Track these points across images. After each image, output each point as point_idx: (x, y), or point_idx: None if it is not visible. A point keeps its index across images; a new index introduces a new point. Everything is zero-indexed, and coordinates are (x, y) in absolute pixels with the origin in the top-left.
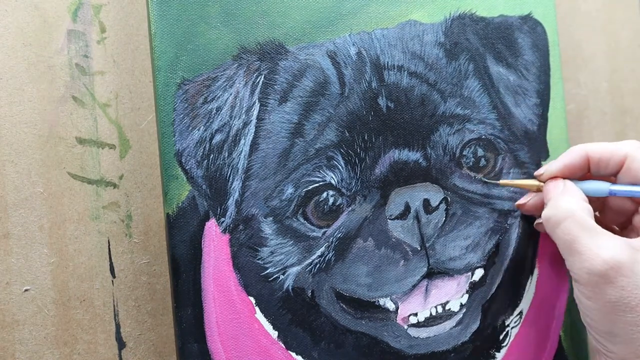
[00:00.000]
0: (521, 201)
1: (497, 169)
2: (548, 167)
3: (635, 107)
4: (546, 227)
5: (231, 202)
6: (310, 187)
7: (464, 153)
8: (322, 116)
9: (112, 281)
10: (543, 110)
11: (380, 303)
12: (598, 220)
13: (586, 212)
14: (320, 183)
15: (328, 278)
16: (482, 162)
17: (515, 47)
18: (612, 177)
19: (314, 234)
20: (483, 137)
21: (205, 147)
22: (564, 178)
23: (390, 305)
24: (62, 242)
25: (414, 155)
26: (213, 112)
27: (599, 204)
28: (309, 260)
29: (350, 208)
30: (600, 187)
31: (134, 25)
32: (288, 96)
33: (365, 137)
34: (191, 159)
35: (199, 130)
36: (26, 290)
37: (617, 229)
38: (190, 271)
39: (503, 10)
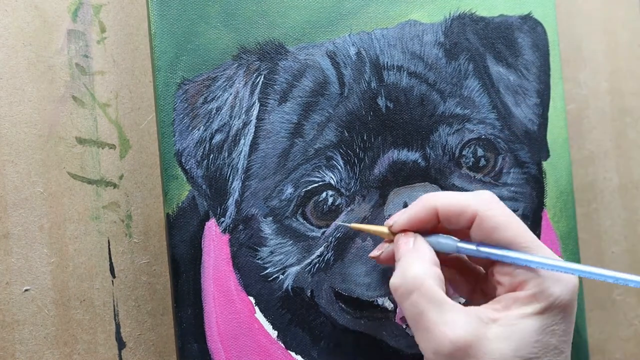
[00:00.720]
0: (374, 253)
1: (497, 169)
2: (397, 218)
3: (635, 107)
4: (394, 296)
5: (231, 202)
6: (310, 187)
7: (463, 153)
8: (322, 116)
9: (112, 281)
10: (543, 110)
11: (379, 302)
12: (455, 281)
13: (436, 281)
14: (320, 183)
15: (327, 278)
16: (482, 162)
17: (515, 46)
18: (466, 229)
19: (313, 233)
20: (483, 136)
21: (205, 147)
22: (415, 231)
23: (389, 305)
24: (62, 242)
25: (413, 155)
26: (213, 112)
27: (453, 257)
28: (308, 260)
29: (349, 208)
30: (448, 242)
31: (134, 25)
32: (288, 96)
33: (365, 137)
34: (191, 159)
35: (199, 130)
36: (26, 290)
37: (483, 272)
38: (190, 271)
39: (503, 10)
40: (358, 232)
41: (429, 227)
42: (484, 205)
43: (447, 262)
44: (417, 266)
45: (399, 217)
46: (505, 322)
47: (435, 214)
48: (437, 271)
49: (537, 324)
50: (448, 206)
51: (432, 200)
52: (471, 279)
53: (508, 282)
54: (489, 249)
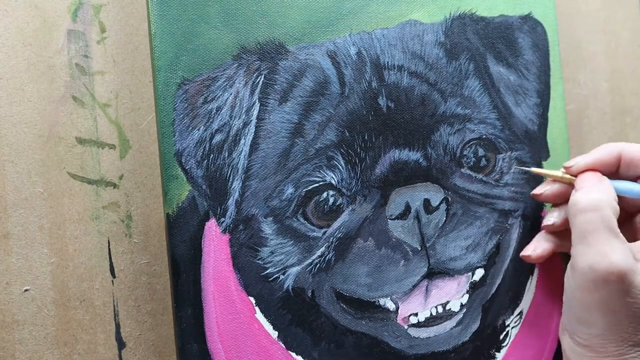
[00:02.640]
0: (537, 191)
1: (497, 169)
2: (579, 160)
3: (635, 107)
4: (570, 210)
5: (231, 202)
6: (310, 187)
7: (464, 153)
8: (322, 116)
9: (112, 281)
10: (543, 110)
11: (381, 303)
12: None
13: (613, 211)
14: (321, 183)
15: (328, 278)
16: (483, 161)
17: (515, 47)
18: (638, 179)
19: (314, 234)
20: (484, 136)
21: (205, 147)
22: None
23: (391, 305)
24: (62, 242)
25: (414, 155)
26: (213, 112)
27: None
28: (309, 260)
29: (350, 208)
30: (632, 188)
31: (134, 25)
32: (288, 96)
33: (366, 137)
34: (191, 159)
35: (199, 130)
36: (26, 290)
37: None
38: (190, 271)
39: (503, 10)
40: (359, 233)
41: (607, 174)
42: None
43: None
44: (602, 193)
45: (581, 159)
46: None
47: (618, 159)
48: (616, 206)
49: None
50: (633, 151)
51: (617, 146)
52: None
53: None
54: None
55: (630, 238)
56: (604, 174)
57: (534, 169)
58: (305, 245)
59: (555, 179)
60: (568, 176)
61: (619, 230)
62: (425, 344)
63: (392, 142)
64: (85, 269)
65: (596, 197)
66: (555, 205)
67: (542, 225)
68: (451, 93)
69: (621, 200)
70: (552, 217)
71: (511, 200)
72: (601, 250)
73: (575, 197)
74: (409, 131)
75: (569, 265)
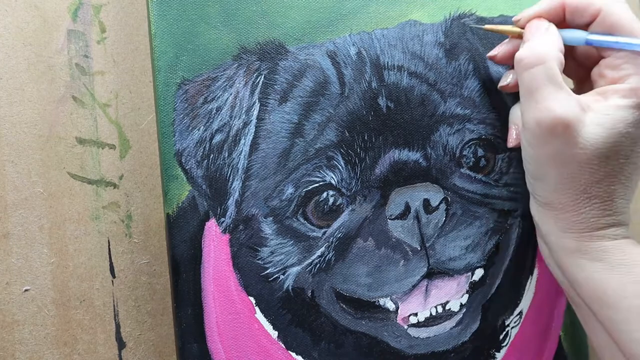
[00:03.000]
0: (492, 52)
1: (496, 169)
2: (525, 12)
3: None
4: (516, 67)
5: (231, 202)
6: (310, 187)
7: (464, 153)
8: (322, 116)
9: (112, 281)
10: None
11: (380, 303)
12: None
13: (557, 63)
14: (320, 183)
15: (328, 278)
16: (482, 162)
17: None
18: (585, 27)
19: (314, 234)
20: (483, 137)
21: (205, 147)
22: None
23: (390, 305)
24: (62, 242)
25: (414, 155)
26: (213, 112)
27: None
28: (309, 261)
29: (350, 208)
30: (577, 35)
31: (134, 25)
32: (288, 96)
33: (365, 137)
34: (191, 159)
35: (199, 130)
36: (26, 290)
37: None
38: (190, 271)
39: (503, 10)
40: (359, 233)
41: (554, 23)
42: (609, 2)
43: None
44: (546, 45)
45: (527, 11)
46: (601, 110)
47: (562, 7)
48: (561, 57)
49: (630, 117)
50: (576, 1)
51: None
52: (577, 75)
53: (611, 75)
54: (614, 37)
55: (591, 87)
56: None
57: (487, 26)
58: (305, 245)
59: (507, 33)
60: (518, 29)
61: (562, 82)
62: (425, 344)
63: (392, 142)
64: (85, 269)
65: (539, 51)
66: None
67: (499, 86)
68: (451, 93)
69: (574, 53)
70: (507, 78)
71: (510, 200)
72: (546, 104)
73: (519, 53)
74: (409, 131)
75: (521, 131)
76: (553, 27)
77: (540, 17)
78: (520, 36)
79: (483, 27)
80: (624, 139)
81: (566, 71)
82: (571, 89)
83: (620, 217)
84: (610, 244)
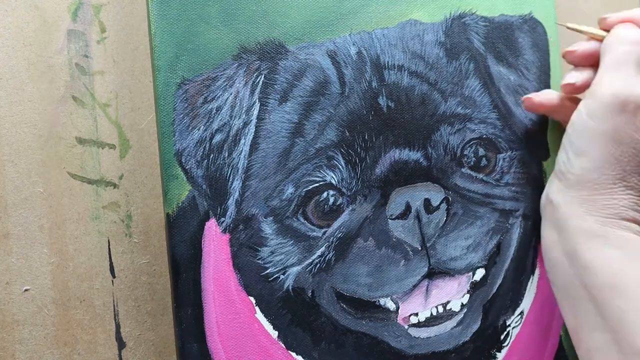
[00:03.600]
0: (571, 48)
1: (497, 169)
2: (613, 15)
3: None
4: (608, 40)
5: (231, 202)
6: (311, 186)
7: (465, 152)
8: (323, 116)
9: (112, 281)
10: None
11: (381, 303)
12: None
13: None
14: (321, 183)
15: (328, 278)
16: (483, 161)
17: (515, 46)
18: None
19: (314, 233)
20: (484, 136)
21: (205, 147)
22: None
23: (391, 305)
24: (62, 242)
25: (414, 155)
26: (213, 112)
27: None
28: (309, 260)
29: (350, 208)
30: None
31: (134, 25)
32: (288, 96)
33: (366, 137)
34: (191, 159)
35: (199, 130)
36: (26, 290)
37: None
38: (190, 271)
39: (503, 10)
40: (359, 232)
41: None
42: None
43: None
44: (636, 31)
45: (615, 14)
46: None
47: None
48: None
49: None
50: None
51: None
52: None
53: None
54: None
55: None
56: None
57: (570, 25)
58: (306, 245)
59: (592, 35)
60: (602, 32)
61: None
62: (425, 344)
63: (393, 142)
64: (85, 269)
65: (637, 34)
66: (578, 67)
67: (562, 83)
68: (451, 93)
69: None
70: (572, 77)
71: (512, 200)
72: (629, 81)
73: (617, 29)
74: (410, 131)
75: (584, 97)
76: None
77: (626, 20)
78: (600, 39)
79: (566, 25)
80: None
81: None
82: None
83: None
84: (635, 236)
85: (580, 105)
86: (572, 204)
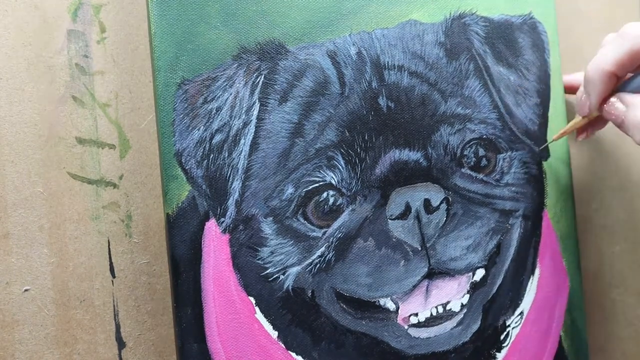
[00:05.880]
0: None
1: (497, 169)
2: (591, 98)
3: None
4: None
5: (231, 202)
6: (311, 187)
7: (465, 153)
8: (322, 116)
9: (112, 281)
10: (543, 110)
11: (381, 303)
12: None
13: None
14: (321, 183)
15: (328, 278)
16: (484, 161)
17: (515, 46)
18: None
19: (314, 234)
20: (484, 136)
21: (205, 147)
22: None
23: (391, 306)
24: (62, 242)
25: (414, 155)
26: (213, 112)
27: None
28: (309, 261)
29: (350, 208)
30: None
31: (134, 25)
32: (288, 96)
33: (366, 137)
34: (191, 159)
35: (199, 130)
36: (26, 290)
37: None
38: (190, 271)
39: (503, 10)
40: (359, 233)
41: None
42: None
43: None
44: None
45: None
46: None
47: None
48: None
49: None
50: None
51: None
52: None
53: None
54: None
55: None
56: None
57: (555, 137)
58: (305, 245)
59: (582, 123)
60: (591, 115)
61: None
62: (425, 344)
63: (393, 142)
64: (85, 269)
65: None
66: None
67: (579, 112)
68: (451, 93)
69: None
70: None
71: (512, 200)
72: None
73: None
74: (409, 131)
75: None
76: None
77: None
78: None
79: (552, 139)
80: None
81: None
82: None
83: None
84: None
85: None
86: None
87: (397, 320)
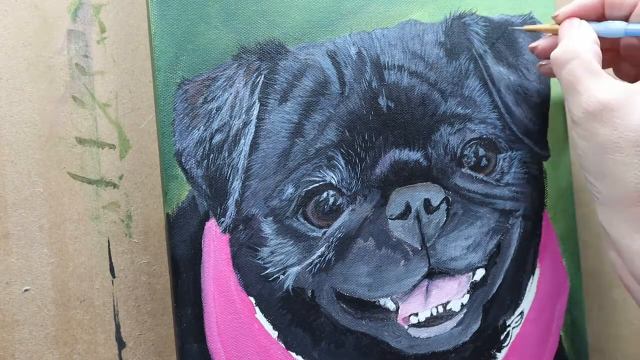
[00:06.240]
0: (533, 45)
1: (497, 169)
2: (563, 9)
3: None
4: (553, 67)
5: (231, 202)
6: (311, 187)
7: (465, 153)
8: (322, 116)
9: (112, 281)
10: (543, 110)
11: (381, 303)
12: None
13: (593, 54)
14: (321, 183)
15: (328, 278)
16: (484, 161)
17: (515, 46)
18: (625, 18)
19: (314, 234)
20: (484, 136)
21: (205, 147)
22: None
23: (391, 305)
24: (62, 242)
25: (414, 155)
26: (213, 112)
27: (613, 54)
28: (309, 260)
29: (350, 208)
30: (615, 27)
31: (134, 25)
32: (288, 96)
33: (366, 137)
34: (191, 159)
35: (198, 130)
36: (26, 290)
37: None
38: (190, 271)
39: (503, 10)
40: (359, 232)
41: (594, 18)
42: None
43: (614, 49)
44: (578, 39)
45: (565, 7)
46: None
47: (601, 3)
48: (597, 49)
49: None
50: None
51: None
52: (636, 65)
53: None
54: None
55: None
56: (590, 19)
57: (526, 27)
58: (305, 245)
59: (545, 31)
60: (555, 26)
61: (602, 71)
62: (425, 344)
63: (393, 142)
64: (85, 269)
65: (572, 47)
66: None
67: (530, 46)
68: (451, 93)
69: (621, 50)
70: (536, 43)
71: (512, 200)
72: (588, 93)
73: (554, 53)
74: (409, 131)
75: (570, 126)
76: (584, 22)
77: (575, 14)
78: (555, 32)
79: (523, 28)
80: None
81: (619, 74)
82: None
83: None
84: None
85: (572, 133)
86: (617, 226)
87: (397, 320)
